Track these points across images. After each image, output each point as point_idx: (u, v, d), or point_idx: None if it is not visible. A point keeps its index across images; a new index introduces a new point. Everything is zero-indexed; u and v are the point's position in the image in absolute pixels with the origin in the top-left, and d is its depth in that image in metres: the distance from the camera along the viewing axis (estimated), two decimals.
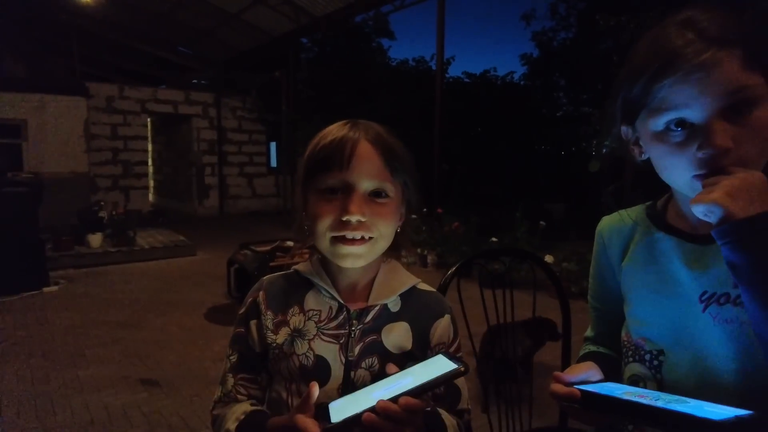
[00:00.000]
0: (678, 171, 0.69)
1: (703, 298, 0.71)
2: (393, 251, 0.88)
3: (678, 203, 0.78)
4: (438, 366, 0.70)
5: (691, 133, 0.66)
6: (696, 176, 0.66)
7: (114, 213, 7.16)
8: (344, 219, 0.76)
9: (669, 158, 0.69)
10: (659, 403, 0.59)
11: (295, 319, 0.85)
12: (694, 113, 0.65)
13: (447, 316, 0.89)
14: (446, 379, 0.67)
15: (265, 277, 0.93)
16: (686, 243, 0.75)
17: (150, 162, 12.48)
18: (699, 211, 0.62)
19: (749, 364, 0.66)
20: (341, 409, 0.67)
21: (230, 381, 0.87)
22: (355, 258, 0.80)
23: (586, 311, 0.96)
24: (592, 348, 0.93)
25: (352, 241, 0.78)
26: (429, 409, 0.79)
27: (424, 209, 6.26)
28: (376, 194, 0.80)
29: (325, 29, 9.35)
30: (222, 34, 10.24)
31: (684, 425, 0.55)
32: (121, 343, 3.71)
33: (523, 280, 2.99)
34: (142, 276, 5.90)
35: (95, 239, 6.51)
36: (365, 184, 0.78)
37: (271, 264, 4.51)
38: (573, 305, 1.52)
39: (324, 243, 0.80)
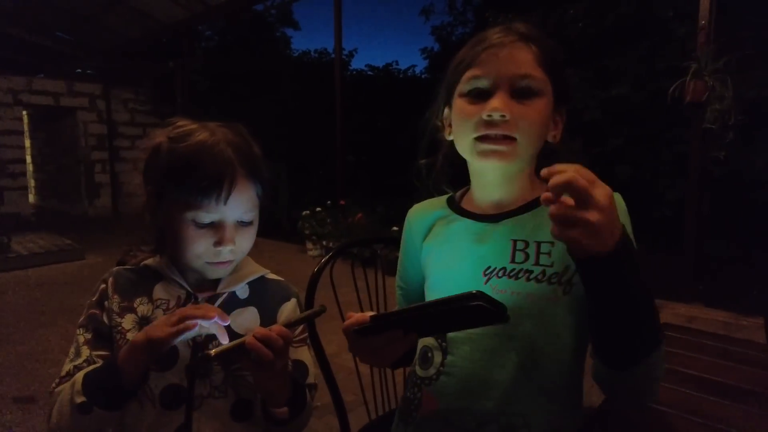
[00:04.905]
0: (466, 133, 0.82)
1: (486, 272, 0.81)
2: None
3: (473, 192, 0.93)
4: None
5: (484, 97, 0.80)
6: (476, 138, 0.80)
7: None
8: (224, 251, 0.85)
9: (462, 119, 0.82)
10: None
11: (143, 308, 0.86)
12: (488, 81, 0.79)
13: (293, 300, 0.95)
14: (308, 316, 0.77)
15: (114, 268, 0.93)
16: (474, 223, 0.87)
17: (29, 159, 11.32)
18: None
19: (515, 323, 0.75)
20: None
21: (86, 351, 0.85)
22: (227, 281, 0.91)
23: None
24: None
25: (223, 264, 0.87)
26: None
27: (329, 201, 6.28)
28: (245, 222, 0.87)
29: (221, 18, 8.98)
30: (107, 20, 9.46)
31: (440, 307, 0.63)
32: None
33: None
34: (20, 285, 5.37)
35: None
36: (236, 216, 0.85)
37: None
38: None
39: (201, 268, 0.88)
